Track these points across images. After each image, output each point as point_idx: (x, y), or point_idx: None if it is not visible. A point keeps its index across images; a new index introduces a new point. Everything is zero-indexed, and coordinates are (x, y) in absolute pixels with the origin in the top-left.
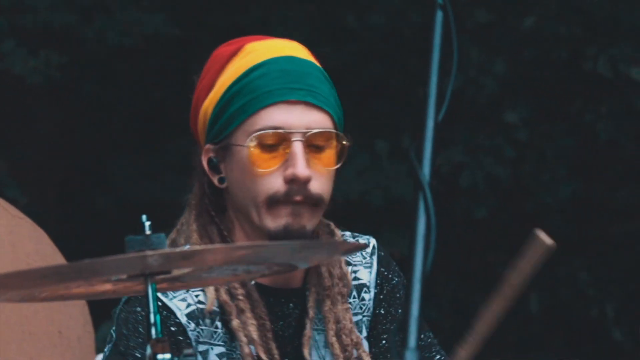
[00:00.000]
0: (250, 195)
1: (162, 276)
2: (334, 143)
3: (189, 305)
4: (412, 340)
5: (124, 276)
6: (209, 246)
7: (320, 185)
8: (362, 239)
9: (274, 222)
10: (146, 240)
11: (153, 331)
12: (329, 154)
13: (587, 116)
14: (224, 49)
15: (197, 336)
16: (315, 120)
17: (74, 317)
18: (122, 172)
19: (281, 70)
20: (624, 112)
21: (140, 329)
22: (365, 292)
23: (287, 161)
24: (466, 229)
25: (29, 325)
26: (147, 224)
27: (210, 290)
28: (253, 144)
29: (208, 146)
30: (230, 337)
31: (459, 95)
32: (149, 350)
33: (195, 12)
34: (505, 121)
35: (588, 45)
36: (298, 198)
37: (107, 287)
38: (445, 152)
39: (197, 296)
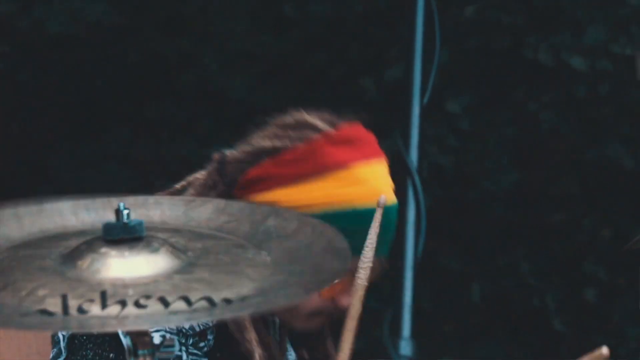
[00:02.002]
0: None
1: None
2: (381, 271)
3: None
4: (405, 330)
5: None
6: None
7: None
8: None
9: (303, 325)
10: (125, 227)
11: None
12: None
13: (529, 105)
14: (328, 150)
15: None
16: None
17: None
18: (61, 162)
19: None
20: (566, 101)
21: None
22: None
23: (346, 289)
24: None
25: None
26: (126, 212)
27: None
28: None
29: None
30: None
31: (401, 83)
32: (128, 341)
33: (135, 1)
34: (448, 110)
35: (529, 34)
36: (336, 317)
37: None
38: (387, 141)
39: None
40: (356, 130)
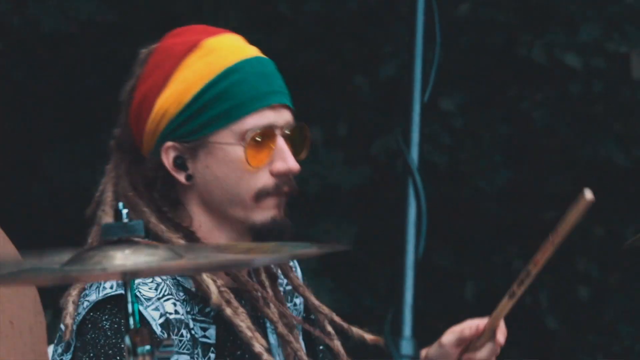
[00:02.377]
0: (234, 191)
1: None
2: (305, 135)
3: (161, 315)
4: (407, 330)
5: None
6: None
7: (295, 177)
8: None
9: (261, 215)
10: (124, 227)
11: (131, 321)
12: (302, 146)
13: (523, 103)
14: (173, 42)
15: None
16: (290, 116)
17: (25, 306)
18: (56, 161)
19: (257, 74)
20: (559, 99)
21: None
22: (296, 296)
23: (274, 156)
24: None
25: None
26: (125, 211)
27: (212, 285)
28: (245, 143)
29: (171, 144)
30: (193, 344)
31: (395, 81)
32: (128, 342)
33: None
34: (441, 108)
35: (523, 32)
36: (286, 189)
37: None
38: (381, 140)
39: (165, 306)
40: (194, 25)
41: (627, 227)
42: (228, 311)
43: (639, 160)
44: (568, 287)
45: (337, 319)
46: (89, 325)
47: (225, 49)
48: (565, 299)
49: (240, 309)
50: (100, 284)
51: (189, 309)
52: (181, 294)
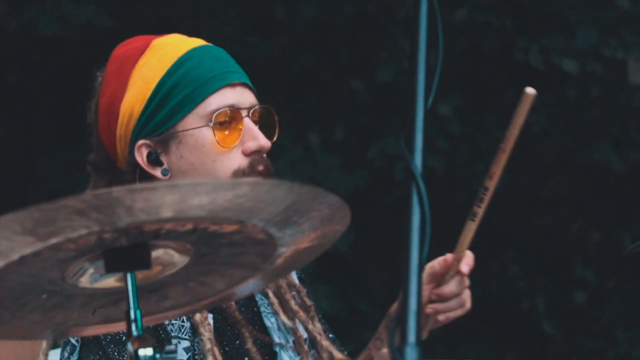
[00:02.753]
0: (211, 176)
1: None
2: (273, 118)
3: None
4: (411, 336)
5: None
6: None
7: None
8: None
9: None
10: None
11: (133, 327)
12: (270, 127)
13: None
14: (124, 50)
15: (170, 330)
16: (253, 97)
17: None
18: (51, 164)
19: (211, 58)
20: (556, 104)
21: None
22: (292, 290)
23: (244, 137)
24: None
25: None
26: None
27: None
28: (212, 123)
29: (142, 142)
30: (193, 331)
31: (392, 86)
32: (130, 347)
33: (125, 3)
34: (438, 113)
35: (520, 37)
36: (261, 168)
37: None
38: (378, 144)
39: None
40: (139, 36)
41: (624, 232)
42: (197, 317)
43: (635, 165)
44: (565, 292)
45: (311, 327)
46: None
47: (175, 43)
48: (562, 304)
49: (207, 322)
50: None
51: None
52: None
